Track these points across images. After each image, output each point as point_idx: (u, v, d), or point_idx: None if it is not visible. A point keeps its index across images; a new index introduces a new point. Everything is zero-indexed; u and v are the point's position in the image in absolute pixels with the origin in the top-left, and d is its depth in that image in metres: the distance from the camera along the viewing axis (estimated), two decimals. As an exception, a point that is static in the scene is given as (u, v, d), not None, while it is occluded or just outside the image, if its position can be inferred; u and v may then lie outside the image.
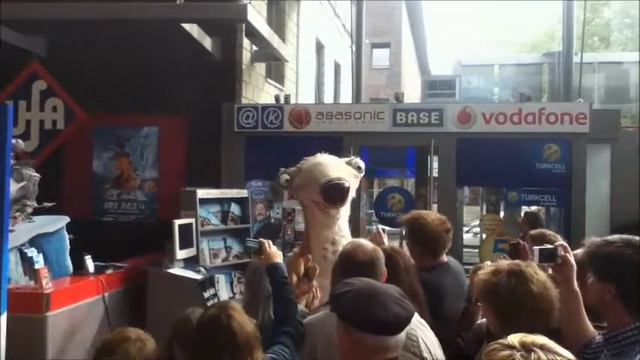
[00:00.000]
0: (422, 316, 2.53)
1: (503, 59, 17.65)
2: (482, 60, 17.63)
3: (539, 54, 17.28)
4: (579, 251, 2.26)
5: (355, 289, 1.83)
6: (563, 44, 8.67)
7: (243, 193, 6.30)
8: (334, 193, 3.58)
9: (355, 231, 6.44)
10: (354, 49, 9.69)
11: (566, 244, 2.22)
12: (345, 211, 3.85)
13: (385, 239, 3.46)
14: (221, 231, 6.03)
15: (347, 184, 3.63)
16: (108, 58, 6.67)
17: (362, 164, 4.09)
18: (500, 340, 1.41)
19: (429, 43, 31.96)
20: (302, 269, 2.94)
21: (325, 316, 2.39)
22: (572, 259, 2.14)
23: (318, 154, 4.02)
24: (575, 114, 6.17)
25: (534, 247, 2.23)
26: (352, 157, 4.18)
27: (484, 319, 2.91)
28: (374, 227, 4.06)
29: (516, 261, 2.30)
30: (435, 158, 6.66)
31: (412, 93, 19.02)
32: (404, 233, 3.71)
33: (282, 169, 4.04)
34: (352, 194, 3.88)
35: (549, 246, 2.19)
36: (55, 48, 6.94)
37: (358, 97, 9.27)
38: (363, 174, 4.13)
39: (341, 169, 3.83)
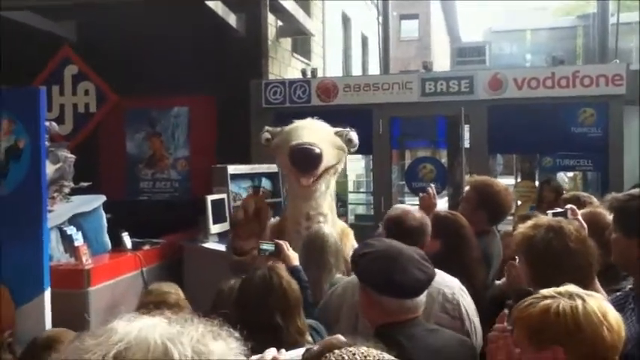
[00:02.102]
0: (482, 282, 2.54)
1: (535, 24, 17.10)
2: (513, 25, 17.14)
3: (573, 17, 16.68)
4: (584, 211, 2.28)
5: (376, 250, 1.83)
6: (598, 5, 8.37)
7: (273, 167, 6.32)
8: (302, 157, 3.21)
9: (388, 205, 6.44)
10: (380, 21, 9.55)
11: (575, 207, 2.29)
12: (325, 186, 3.49)
13: (437, 200, 3.45)
14: (253, 206, 6.08)
15: (317, 150, 3.22)
16: (136, 41, 6.74)
17: (354, 138, 3.69)
18: (536, 294, 1.40)
19: (459, 12, 31.18)
20: (252, 207, 2.74)
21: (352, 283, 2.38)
22: (583, 223, 2.13)
23: (309, 118, 3.71)
24: (610, 76, 5.96)
25: (548, 211, 2.26)
26: (346, 129, 3.77)
27: (499, 282, 2.92)
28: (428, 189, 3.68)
29: (558, 217, 2.26)
30: (466, 127, 6.57)
31: (442, 63, 18.68)
32: (464, 196, 3.50)
33: (267, 127, 3.75)
34: (334, 167, 3.54)
35: (560, 209, 2.28)
36: (84, 32, 7.05)
37: (386, 68, 9.17)
38: (354, 149, 3.74)
39: (322, 136, 3.46)
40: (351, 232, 3.79)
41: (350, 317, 2.15)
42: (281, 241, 2.68)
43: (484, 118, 6.20)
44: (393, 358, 1.09)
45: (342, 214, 6.34)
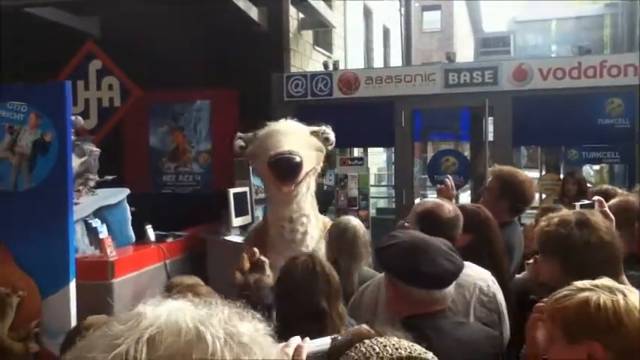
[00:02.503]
0: (508, 274, 2.53)
1: (561, 13, 16.78)
2: (538, 15, 16.84)
3: (601, 5, 16.32)
4: (614, 201, 2.24)
5: (402, 241, 1.82)
6: (626, -8, 8.17)
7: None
8: (283, 168, 3.14)
9: (409, 198, 6.41)
10: (403, 12, 9.46)
11: (602, 199, 2.28)
12: (305, 188, 3.43)
13: (455, 192, 3.43)
14: (275, 199, 6.10)
15: (297, 160, 3.14)
16: (158, 35, 6.78)
17: (331, 136, 3.57)
18: (570, 287, 1.35)
19: (482, 2, 30.77)
20: (247, 265, 2.68)
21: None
22: (611, 215, 2.09)
23: (282, 120, 3.56)
24: (639, 65, 5.82)
25: (575, 203, 2.24)
26: (322, 128, 3.63)
27: (519, 275, 2.88)
28: (445, 180, 3.63)
29: (578, 210, 2.22)
30: (490, 119, 6.48)
31: (465, 55, 18.45)
32: (487, 185, 3.46)
33: (239, 133, 3.60)
34: (314, 169, 3.47)
35: (587, 201, 2.29)
36: (107, 28, 7.11)
37: (408, 60, 9.10)
38: (332, 146, 3.65)
39: (299, 140, 3.34)
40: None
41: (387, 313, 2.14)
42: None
43: (508, 109, 6.11)
44: (423, 349, 1.08)
45: (363, 207, 6.32)
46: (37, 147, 3.21)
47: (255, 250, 2.69)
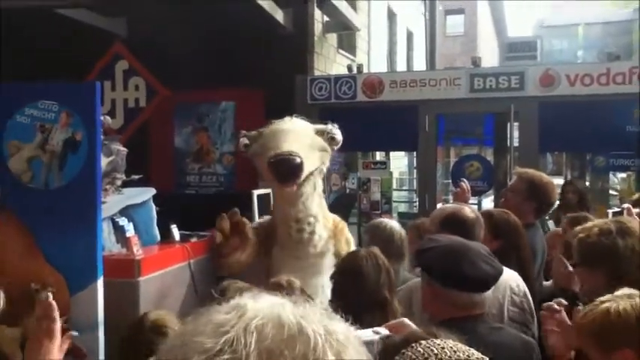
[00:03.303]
0: (534, 280, 2.52)
1: (588, 18, 16.54)
2: (565, 20, 16.63)
3: (630, 10, 16.05)
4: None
5: (443, 245, 1.82)
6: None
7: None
8: (282, 170, 3.09)
9: (432, 203, 6.38)
10: (427, 16, 9.42)
11: (631, 207, 2.39)
12: (311, 189, 3.35)
13: (470, 195, 3.42)
14: (298, 202, 6.11)
15: (297, 160, 3.06)
16: (184, 37, 6.85)
17: (337, 135, 3.46)
18: (611, 295, 1.36)
19: (507, 4, 30.45)
20: (227, 225, 2.63)
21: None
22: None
23: (287, 118, 3.50)
24: (670, 72, 5.72)
25: (607, 210, 2.25)
26: (328, 127, 3.55)
27: (546, 283, 2.85)
28: (462, 184, 3.62)
29: (613, 217, 2.20)
30: (515, 125, 6.42)
31: (489, 60, 18.30)
32: (511, 187, 3.45)
33: (244, 131, 3.57)
34: (319, 169, 3.39)
35: (618, 209, 2.42)
36: (134, 28, 7.21)
37: (432, 64, 9.06)
38: (338, 146, 3.53)
39: (302, 140, 3.26)
40: (345, 226, 3.72)
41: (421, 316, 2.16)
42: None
43: (534, 115, 6.05)
44: (480, 354, 1.07)
45: (386, 211, 6.30)
46: (68, 146, 3.25)
47: (236, 210, 2.71)
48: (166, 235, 4.68)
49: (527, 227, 3.10)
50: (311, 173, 3.28)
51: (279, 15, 6.66)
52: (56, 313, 1.72)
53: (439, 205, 6.63)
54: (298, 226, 3.29)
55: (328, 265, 3.27)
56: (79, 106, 3.22)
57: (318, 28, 7.38)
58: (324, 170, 3.50)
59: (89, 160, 3.17)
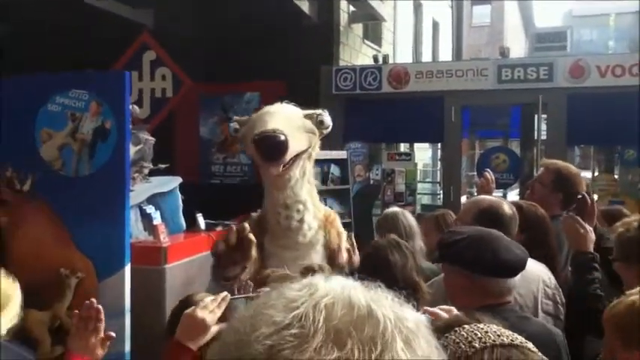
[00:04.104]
0: (561, 270, 2.50)
1: (620, 7, 16.14)
2: (595, 9, 16.25)
3: (663, 0, 15.63)
4: None
5: (470, 235, 1.81)
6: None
7: (342, 154, 6.34)
8: (266, 146, 3.00)
9: (457, 195, 6.33)
10: (453, 6, 9.30)
11: None
12: (299, 174, 3.27)
13: (494, 186, 3.38)
14: (321, 191, 6.10)
15: (281, 138, 2.99)
16: (210, 27, 6.89)
17: (327, 120, 3.39)
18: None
19: (534, -4, 29.85)
20: (233, 239, 2.49)
21: None
22: None
23: (277, 103, 3.40)
24: None
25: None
26: (317, 111, 3.46)
27: None
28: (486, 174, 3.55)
29: None
30: (543, 117, 6.33)
31: (516, 51, 18.00)
32: (538, 178, 3.41)
33: (235, 117, 3.52)
34: (307, 152, 3.32)
35: None
36: (161, 19, 7.26)
37: (459, 55, 8.97)
38: (327, 131, 3.45)
39: (289, 121, 3.20)
40: (337, 218, 3.66)
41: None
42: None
43: (563, 107, 5.94)
44: (524, 339, 1.07)
45: (410, 202, 6.27)
46: (98, 134, 3.28)
47: (246, 225, 2.68)
48: (191, 224, 4.74)
49: (553, 219, 3.06)
50: (298, 155, 3.17)
51: (304, 5, 6.64)
52: (101, 315, 1.93)
53: (464, 198, 6.58)
54: (287, 212, 3.20)
55: (317, 257, 3.23)
56: (108, 96, 3.25)
57: (343, 18, 7.34)
58: (314, 155, 3.40)
59: (118, 149, 3.20)
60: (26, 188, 3.25)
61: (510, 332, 1.06)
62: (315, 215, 3.29)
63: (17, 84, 3.34)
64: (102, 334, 1.94)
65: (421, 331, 0.64)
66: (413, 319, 0.64)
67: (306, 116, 3.32)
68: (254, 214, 3.45)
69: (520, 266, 1.76)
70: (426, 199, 9.78)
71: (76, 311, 2.00)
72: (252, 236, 2.56)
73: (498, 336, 1.04)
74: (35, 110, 3.22)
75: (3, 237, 3.23)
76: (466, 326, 1.07)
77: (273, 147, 2.98)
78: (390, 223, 3.55)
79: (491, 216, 2.31)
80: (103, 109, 3.23)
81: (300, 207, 3.17)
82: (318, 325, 0.59)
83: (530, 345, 1.06)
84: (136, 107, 4.58)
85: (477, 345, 1.03)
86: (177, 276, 3.88)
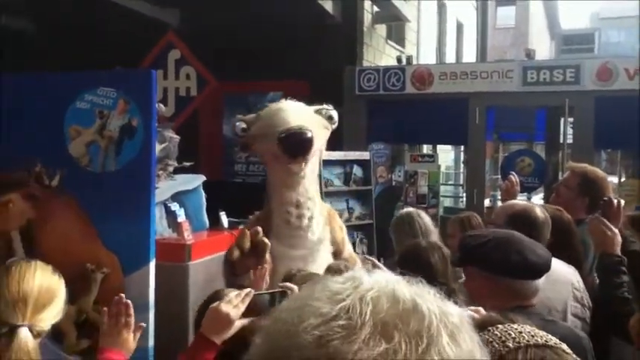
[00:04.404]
0: (586, 275, 2.47)
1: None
2: (623, 11, 15.97)
3: (694, 1, 15.29)
4: None
5: (493, 237, 1.80)
6: None
7: (365, 155, 6.32)
8: (294, 144, 2.95)
9: (480, 198, 6.28)
10: (478, 7, 9.22)
11: None
12: (311, 169, 3.25)
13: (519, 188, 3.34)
14: (343, 192, 6.13)
15: (309, 134, 2.97)
16: (234, 27, 6.93)
17: (334, 114, 3.37)
18: None
19: (560, -2, 29.46)
20: (247, 244, 2.45)
21: None
22: None
23: (282, 100, 3.35)
24: None
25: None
26: (324, 106, 3.44)
27: None
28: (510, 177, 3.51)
29: None
30: (569, 120, 6.24)
31: (541, 53, 17.76)
32: (564, 182, 3.37)
33: (239, 116, 3.43)
34: (321, 148, 3.32)
35: None
36: (187, 19, 7.33)
37: (483, 56, 8.88)
38: (335, 125, 3.42)
39: (306, 117, 3.17)
40: (336, 214, 3.62)
41: None
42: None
43: (590, 110, 5.85)
44: (558, 340, 1.06)
45: (432, 205, 6.23)
46: (124, 131, 3.31)
47: (259, 229, 2.62)
48: (214, 222, 4.77)
49: (578, 223, 3.02)
50: (314, 151, 3.17)
51: (328, 5, 6.65)
52: (131, 310, 2.01)
53: (487, 201, 6.53)
54: (298, 211, 3.12)
55: (326, 254, 3.19)
56: (135, 94, 3.28)
57: (367, 18, 7.33)
58: (324, 150, 3.40)
59: (144, 146, 3.22)
60: (54, 184, 3.30)
61: (544, 333, 1.05)
62: (321, 211, 3.25)
63: (46, 81, 3.39)
64: (132, 328, 1.99)
65: (465, 327, 0.64)
66: (457, 314, 0.64)
67: (316, 112, 3.31)
68: (253, 217, 3.40)
69: (545, 268, 1.74)
70: (448, 202, 9.71)
71: (105, 308, 2.05)
72: (266, 239, 2.52)
73: (532, 336, 1.03)
74: (64, 107, 3.26)
75: (32, 231, 3.28)
76: (499, 326, 1.07)
77: (300, 144, 2.94)
78: (407, 223, 3.51)
79: (524, 220, 2.29)
80: (130, 106, 3.26)
81: (310, 204, 3.13)
82: (365, 318, 0.60)
83: (564, 346, 1.05)
84: (161, 105, 4.62)
85: (510, 345, 1.03)
86: (200, 273, 3.90)
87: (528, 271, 1.72)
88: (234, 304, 1.77)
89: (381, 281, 0.65)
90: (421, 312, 0.61)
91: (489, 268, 1.74)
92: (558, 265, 2.06)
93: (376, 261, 2.84)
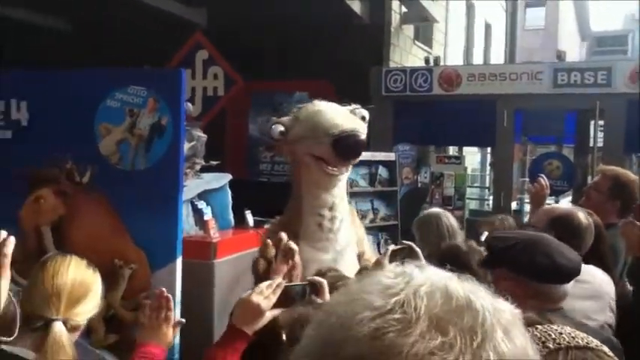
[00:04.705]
0: (617, 281, 2.42)
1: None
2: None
3: None
4: None
5: (522, 239, 1.77)
6: None
7: (390, 156, 6.29)
8: (349, 146, 2.84)
9: (507, 201, 6.20)
10: (508, 8, 9.11)
11: None
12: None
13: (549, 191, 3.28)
14: (369, 193, 6.11)
15: (363, 137, 2.89)
16: (262, 27, 6.96)
17: (366, 114, 3.31)
18: None
19: (592, -1, 28.92)
20: (272, 252, 2.36)
21: None
22: None
23: (316, 101, 3.22)
24: None
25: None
26: (357, 107, 3.34)
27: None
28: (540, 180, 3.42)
29: None
30: (600, 123, 6.12)
31: (570, 55, 17.46)
32: (594, 185, 3.31)
33: (274, 118, 3.29)
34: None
35: None
36: (214, 18, 7.39)
37: (512, 58, 8.77)
38: (366, 125, 3.28)
39: (351, 118, 3.06)
40: (354, 210, 3.58)
41: None
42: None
43: (622, 113, 5.73)
44: (599, 342, 1.04)
45: (459, 207, 6.17)
46: (154, 130, 3.35)
47: (284, 235, 2.51)
48: (239, 221, 4.80)
49: (608, 227, 2.95)
50: None
51: (356, 5, 6.64)
52: (171, 304, 2.01)
53: (514, 204, 6.44)
54: (332, 213, 3.03)
55: (353, 256, 3.15)
56: (165, 93, 3.31)
57: (395, 19, 7.30)
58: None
59: (173, 145, 3.25)
60: (85, 180, 3.35)
61: (585, 335, 1.03)
62: (349, 212, 3.21)
63: (77, 78, 3.42)
64: (172, 322, 2.01)
65: (517, 324, 0.64)
66: (509, 310, 0.64)
67: (351, 112, 3.19)
68: (279, 219, 3.31)
69: (574, 272, 1.71)
70: (473, 204, 9.60)
71: (147, 301, 2.09)
72: (293, 244, 2.48)
73: (573, 338, 1.01)
74: (95, 105, 3.30)
75: (62, 227, 3.34)
76: (539, 326, 1.05)
77: (355, 146, 2.87)
78: (433, 223, 3.45)
79: (566, 225, 2.25)
80: (160, 105, 3.29)
81: (342, 206, 3.07)
82: (420, 312, 0.60)
83: (605, 349, 1.03)
84: (190, 105, 4.67)
85: (550, 345, 1.01)
86: (226, 271, 3.93)
87: (556, 275, 1.69)
88: (265, 295, 1.77)
89: (433, 277, 0.65)
90: (475, 308, 0.61)
91: (516, 270, 1.71)
92: (600, 275, 2.02)
93: (413, 245, 2.81)
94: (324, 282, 1.95)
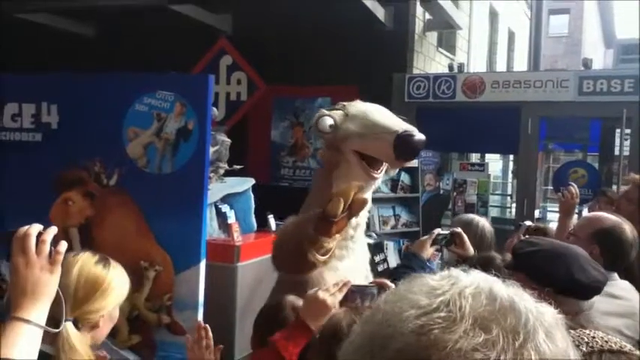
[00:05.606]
0: None
1: None
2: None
3: None
4: None
5: (545, 249, 1.73)
6: None
7: (413, 162, 6.27)
8: (411, 145, 2.71)
9: (530, 210, 6.13)
10: (531, 15, 9.04)
11: None
12: None
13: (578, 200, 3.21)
14: (391, 199, 6.10)
15: (424, 138, 2.79)
16: (285, 33, 7.01)
17: None
18: None
19: (617, 4, 28.53)
20: (351, 198, 2.30)
21: None
22: None
23: (358, 101, 3.09)
24: None
25: None
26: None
27: None
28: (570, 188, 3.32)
29: None
30: (626, 131, 6.03)
31: (594, 62, 17.23)
32: (627, 195, 3.26)
33: (323, 110, 3.10)
34: None
35: None
36: (239, 25, 7.46)
37: (536, 65, 8.68)
38: None
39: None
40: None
41: None
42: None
43: (649, 121, 5.65)
44: (632, 347, 1.04)
45: (482, 214, 6.12)
46: (181, 134, 3.39)
47: (362, 184, 2.51)
48: (262, 224, 4.83)
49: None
50: None
51: (380, 12, 6.64)
52: (210, 334, 2.20)
53: (537, 213, 6.36)
54: (356, 220, 2.90)
55: (366, 261, 3.13)
56: (192, 97, 3.35)
57: (419, 25, 7.29)
58: None
59: (199, 149, 3.29)
60: (112, 183, 3.40)
61: (618, 339, 1.03)
62: (365, 219, 3.13)
63: (106, 83, 3.48)
64: (212, 348, 2.20)
65: (559, 326, 0.66)
66: (551, 314, 0.66)
67: None
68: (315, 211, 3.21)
69: (594, 290, 1.64)
70: (495, 212, 9.50)
71: (188, 336, 2.29)
72: (366, 197, 2.41)
73: (606, 342, 1.01)
74: (124, 109, 3.35)
75: (90, 229, 3.39)
76: (571, 331, 1.05)
77: (417, 145, 2.77)
78: (475, 227, 3.29)
79: (611, 238, 2.17)
80: (187, 110, 3.33)
81: (364, 213, 2.93)
82: (464, 312, 0.62)
83: (639, 353, 1.02)
84: (215, 110, 4.72)
85: (584, 349, 1.01)
86: (248, 274, 3.96)
87: (571, 289, 1.64)
88: (332, 292, 1.84)
89: (479, 279, 0.67)
90: (518, 310, 0.63)
91: (533, 278, 1.69)
92: (635, 292, 1.98)
93: (462, 232, 2.85)
94: (390, 284, 2.02)
